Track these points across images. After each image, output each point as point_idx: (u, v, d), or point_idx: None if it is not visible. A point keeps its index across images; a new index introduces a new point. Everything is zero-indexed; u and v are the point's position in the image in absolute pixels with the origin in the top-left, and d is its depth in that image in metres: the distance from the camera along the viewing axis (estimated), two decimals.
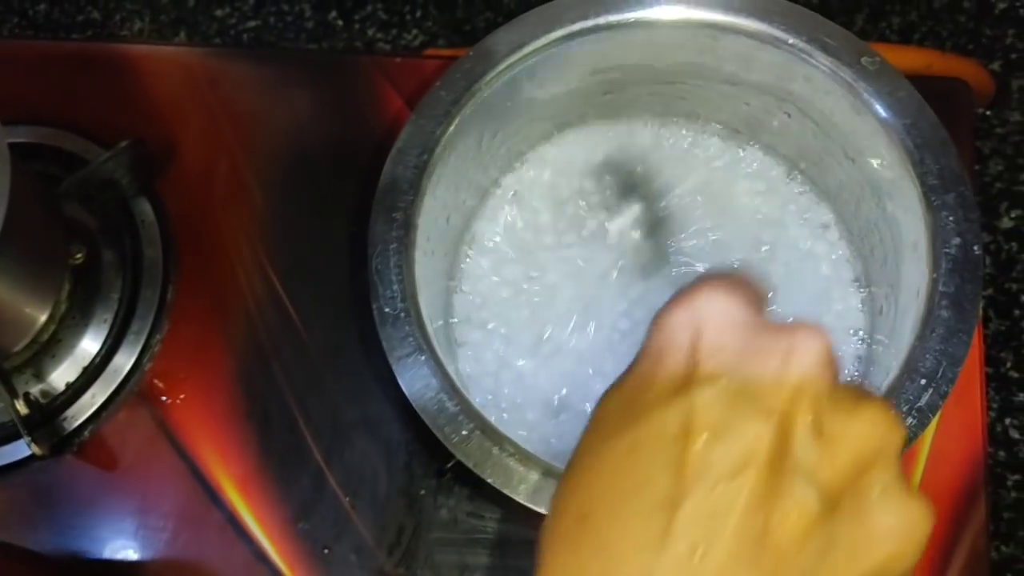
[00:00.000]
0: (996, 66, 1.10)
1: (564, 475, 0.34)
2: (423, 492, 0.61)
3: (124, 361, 0.64)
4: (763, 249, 0.61)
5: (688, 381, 0.32)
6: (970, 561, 0.58)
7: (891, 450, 0.31)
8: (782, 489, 0.30)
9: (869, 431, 0.31)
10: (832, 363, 0.32)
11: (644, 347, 0.34)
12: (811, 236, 0.61)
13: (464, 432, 0.47)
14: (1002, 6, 1.14)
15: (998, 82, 0.78)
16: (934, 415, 0.46)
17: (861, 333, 0.59)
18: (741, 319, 0.33)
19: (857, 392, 0.32)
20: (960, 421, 0.59)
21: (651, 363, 0.33)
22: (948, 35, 1.12)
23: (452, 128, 0.53)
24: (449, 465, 0.57)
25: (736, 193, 0.63)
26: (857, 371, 0.58)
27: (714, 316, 0.33)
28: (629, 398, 0.33)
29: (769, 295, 0.36)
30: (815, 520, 0.30)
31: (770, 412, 0.30)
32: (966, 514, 0.59)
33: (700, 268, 0.61)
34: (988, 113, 1.08)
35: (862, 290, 0.60)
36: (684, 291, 0.34)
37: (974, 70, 0.77)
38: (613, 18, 0.55)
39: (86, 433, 0.63)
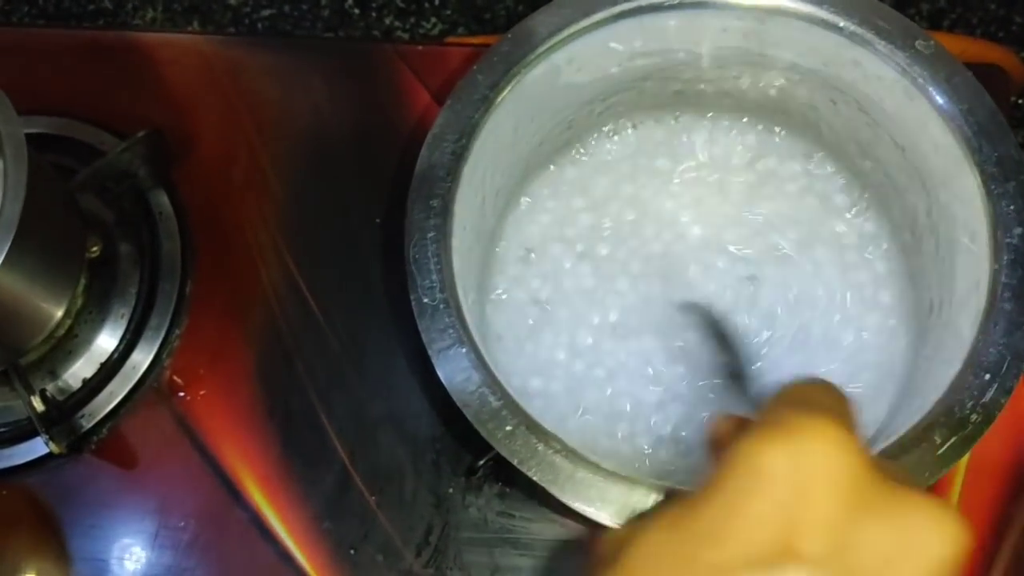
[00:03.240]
0: None
1: None
2: (451, 490, 0.59)
3: (142, 357, 0.63)
4: (790, 239, 0.60)
5: (781, 557, 0.28)
6: (1014, 563, 0.57)
7: None
8: None
9: None
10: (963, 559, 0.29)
11: (718, 478, 0.30)
12: (846, 225, 0.60)
13: (508, 428, 0.45)
14: None
15: None
16: (999, 411, 0.45)
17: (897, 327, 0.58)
18: (852, 478, 0.29)
19: None
20: (1001, 421, 0.58)
21: (727, 510, 0.29)
22: (978, 22, 1.11)
23: (490, 113, 0.52)
24: (482, 462, 0.55)
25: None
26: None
27: (825, 472, 0.29)
28: (687, 546, 0.30)
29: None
30: None
31: None
32: (1009, 516, 0.58)
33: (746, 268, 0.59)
34: (1020, 102, 1.07)
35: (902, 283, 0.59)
36: (779, 419, 0.30)
37: (1006, 57, 0.76)
38: (655, 0, 0.53)
39: (104, 431, 0.62)
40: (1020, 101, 1.07)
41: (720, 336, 0.55)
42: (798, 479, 0.29)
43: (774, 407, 0.33)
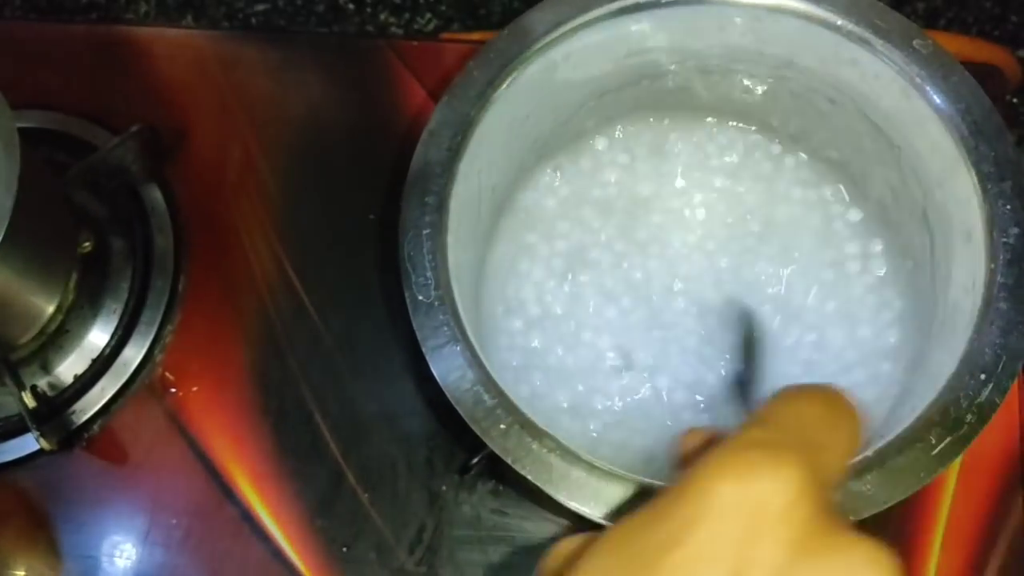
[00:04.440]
0: (1023, 53, 1.09)
1: None
2: (445, 488, 0.59)
3: (134, 353, 0.62)
4: (782, 239, 0.60)
5: None
6: (1007, 560, 0.57)
7: None
8: None
9: None
10: None
11: (670, 501, 0.30)
12: (841, 225, 0.60)
13: (502, 426, 0.45)
14: None
15: None
16: (994, 411, 0.45)
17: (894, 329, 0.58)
18: (799, 521, 0.29)
19: None
20: (996, 418, 0.58)
21: (673, 538, 0.29)
22: (974, 21, 1.11)
23: (486, 110, 0.52)
24: (475, 460, 0.55)
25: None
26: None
27: (774, 514, 0.29)
28: (643, 553, 0.29)
29: (866, 421, 0.34)
30: None
31: None
32: (1002, 513, 0.58)
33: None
34: (1015, 101, 1.07)
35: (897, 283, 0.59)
36: (744, 446, 0.30)
37: (1002, 56, 0.76)
38: None
39: (95, 427, 0.61)
40: (1016, 100, 1.07)
41: (748, 343, 0.55)
42: (745, 517, 0.29)
43: (751, 425, 0.32)
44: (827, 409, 0.34)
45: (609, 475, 0.44)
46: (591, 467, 0.45)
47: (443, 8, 1.07)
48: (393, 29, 1.08)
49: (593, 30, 0.54)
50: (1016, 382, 0.46)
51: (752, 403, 0.53)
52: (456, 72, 0.54)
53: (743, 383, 0.54)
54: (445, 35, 1.05)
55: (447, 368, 0.47)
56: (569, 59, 0.55)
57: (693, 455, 0.38)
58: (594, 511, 0.44)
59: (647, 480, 0.44)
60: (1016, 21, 1.11)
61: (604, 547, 0.31)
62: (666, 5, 0.53)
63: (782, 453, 0.30)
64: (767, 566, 0.28)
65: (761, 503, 0.29)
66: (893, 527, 0.57)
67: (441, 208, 0.49)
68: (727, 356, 0.57)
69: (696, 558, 0.28)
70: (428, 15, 1.08)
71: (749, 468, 0.29)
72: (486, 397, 0.46)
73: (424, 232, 0.49)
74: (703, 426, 0.39)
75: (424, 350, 0.47)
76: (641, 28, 0.55)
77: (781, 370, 0.57)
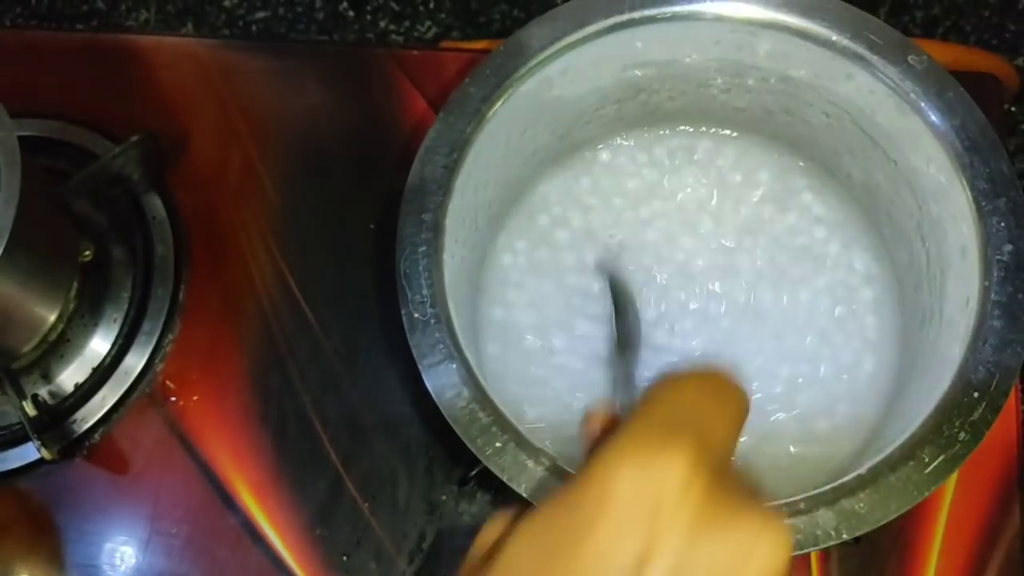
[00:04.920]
0: (1020, 61, 1.09)
1: None
2: (444, 497, 0.59)
3: (135, 362, 0.62)
4: (777, 253, 0.60)
5: (635, 571, 0.30)
6: (1005, 566, 0.57)
7: None
8: None
9: None
10: (789, 566, 0.31)
11: (577, 489, 0.32)
12: (835, 241, 0.60)
13: (498, 444, 0.45)
14: None
15: (1022, 77, 0.77)
16: (988, 429, 0.45)
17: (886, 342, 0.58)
18: (696, 502, 0.30)
19: None
20: (990, 432, 0.58)
21: (587, 517, 0.31)
22: (972, 29, 1.11)
23: (482, 127, 0.52)
24: (473, 473, 0.55)
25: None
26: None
27: (671, 497, 0.30)
28: (554, 546, 0.31)
29: (746, 392, 0.35)
30: None
31: None
32: (1000, 519, 0.58)
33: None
34: (1013, 110, 1.07)
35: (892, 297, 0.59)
36: (640, 432, 0.32)
37: (999, 65, 0.76)
38: (648, 12, 0.53)
39: (96, 436, 0.62)
40: (1014, 108, 1.07)
41: (619, 301, 0.56)
42: (644, 506, 0.30)
43: (640, 412, 0.34)
44: (710, 384, 0.35)
45: None
46: None
47: (443, 16, 1.07)
48: (393, 36, 1.08)
49: (589, 46, 0.54)
50: (1012, 395, 0.46)
51: (632, 369, 0.53)
52: (456, 82, 0.54)
53: (623, 345, 0.54)
54: (445, 43, 1.05)
55: (443, 386, 0.47)
56: (566, 74, 0.55)
57: (597, 440, 0.40)
58: None
59: None
60: (1014, 30, 1.11)
61: (520, 539, 0.33)
62: (661, 20, 0.53)
63: (671, 436, 0.31)
64: (669, 549, 0.30)
65: (657, 489, 0.30)
66: (891, 533, 0.57)
67: (437, 226, 0.50)
68: None
69: (603, 548, 0.30)
70: (428, 23, 1.08)
71: (642, 457, 0.31)
72: (482, 415, 0.46)
73: (420, 250, 0.49)
74: (600, 405, 0.41)
75: (420, 367, 0.47)
76: (637, 43, 0.55)
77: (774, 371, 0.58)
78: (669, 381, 0.35)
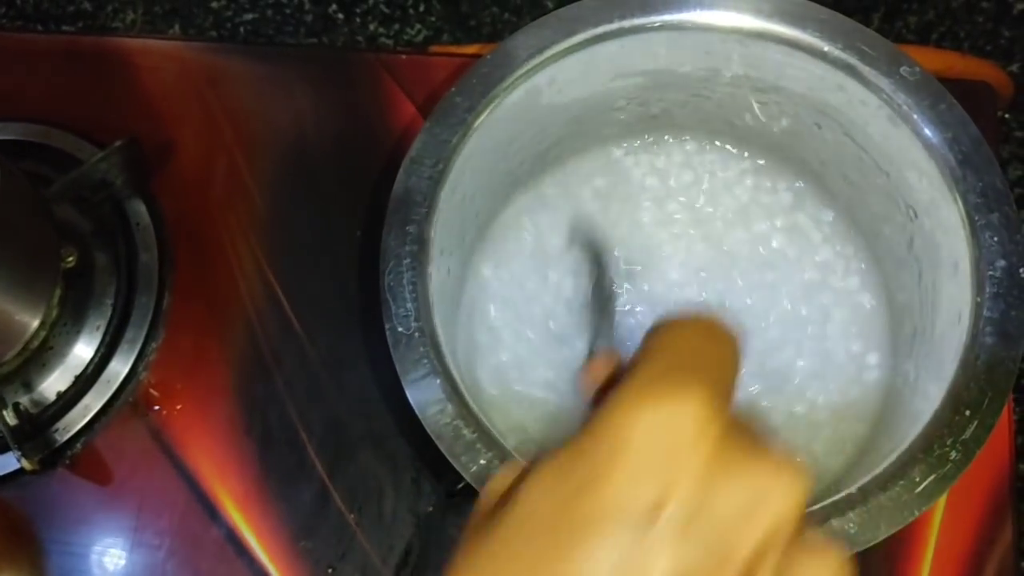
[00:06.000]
0: (1015, 68, 1.09)
1: (468, 551, 0.33)
2: (431, 510, 0.59)
3: (118, 370, 0.62)
4: (768, 266, 0.59)
5: (646, 519, 0.29)
6: None
7: None
8: None
9: None
10: (804, 509, 0.31)
11: (590, 438, 0.31)
12: (827, 252, 0.60)
13: (482, 461, 0.45)
14: (1020, 7, 1.12)
15: (1016, 84, 0.77)
16: (980, 447, 0.44)
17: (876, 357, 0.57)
18: (712, 444, 0.30)
19: (821, 542, 0.32)
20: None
21: (602, 462, 0.30)
22: (966, 36, 1.11)
23: (468, 137, 0.51)
24: (459, 487, 0.55)
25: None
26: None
27: (687, 440, 0.30)
28: (570, 492, 0.31)
29: (740, 337, 0.35)
30: None
31: (733, 564, 0.29)
32: (993, 531, 0.58)
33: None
34: (1007, 116, 1.07)
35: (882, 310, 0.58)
36: (648, 379, 0.32)
37: (993, 72, 0.75)
38: (638, 21, 0.52)
39: (78, 445, 0.61)
40: (1007, 115, 1.07)
41: (596, 260, 0.56)
42: (662, 448, 0.30)
43: (647, 359, 0.33)
44: (707, 330, 0.35)
45: None
46: None
47: (433, 19, 1.07)
48: (383, 40, 1.07)
49: (578, 55, 0.53)
50: (1003, 414, 0.46)
51: (612, 312, 0.54)
52: (445, 87, 0.53)
53: (601, 305, 0.54)
54: (435, 48, 1.04)
55: (426, 401, 0.46)
56: (554, 83, 0.54)
57: (602, 391, 0.39)
58: None
59: None
60: (1008, 36, 1.11)
61: (535, 486, 0.32)
62: (651, 29, 0.53)
63: (685, 379, 0.31)
64: (686, 494, 0.30)
65: (673, 434, 0.30)
66: (882, 549, 0.57)
67: (421, 239, 0.49)
68: None
69: (620, 493, 0.30)
70: (418, 26, 1.07)
71: (658, 400, 0.31)
72: (466, 432, 0.45)
73: (404, 262, 0.48)
74: (602, 353, 0.40)
75: (403, 382, 0.47)
76: (626, 53, 0.54)
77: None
78: (669, 326, 0.35)
